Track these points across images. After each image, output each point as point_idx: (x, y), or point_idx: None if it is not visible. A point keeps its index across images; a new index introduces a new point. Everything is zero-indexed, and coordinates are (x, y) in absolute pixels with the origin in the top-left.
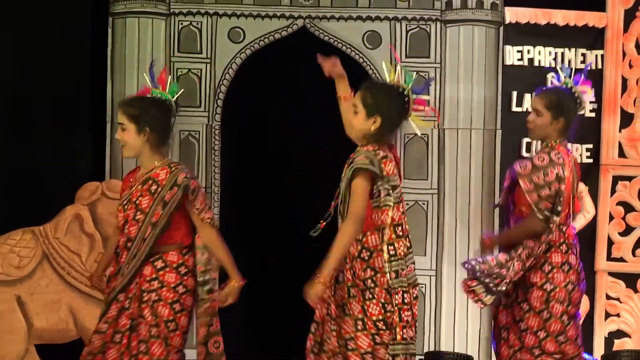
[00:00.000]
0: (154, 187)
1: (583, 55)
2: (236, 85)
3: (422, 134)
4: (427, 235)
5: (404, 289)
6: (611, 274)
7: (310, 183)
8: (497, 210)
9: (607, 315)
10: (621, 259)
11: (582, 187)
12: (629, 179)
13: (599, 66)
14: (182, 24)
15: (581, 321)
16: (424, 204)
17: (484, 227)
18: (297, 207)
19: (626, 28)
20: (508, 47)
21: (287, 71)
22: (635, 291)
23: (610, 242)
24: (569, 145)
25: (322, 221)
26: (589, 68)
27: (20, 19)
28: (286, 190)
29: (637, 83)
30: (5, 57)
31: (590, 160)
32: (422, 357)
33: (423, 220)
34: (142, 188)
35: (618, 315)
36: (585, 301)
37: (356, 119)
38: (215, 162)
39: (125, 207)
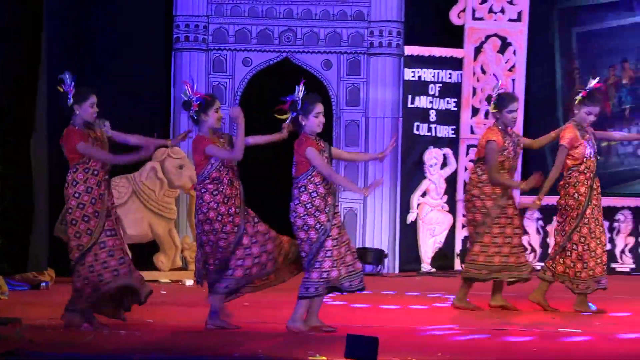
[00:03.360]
0: None
1: (450, 74)
2: (246, 92)
3: (354, 120)
4: (359, 179)
5: None
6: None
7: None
8: (399, 162)
9: (463, 225)
10: None
11: (448, 151)
12: (475, 146)
13: (459, 80)
14: (215, 55)
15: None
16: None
17: (388, 174)
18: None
19: (475, 58)
20: (406, 69)
21: (277, 84)
22: None
23: (464, 183)
24: None
25: None
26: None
27: (124, 52)
28: (271, 155)
29: (481, 91)
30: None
31: (454, 136)
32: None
33: (356, 171)
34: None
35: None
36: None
37: None
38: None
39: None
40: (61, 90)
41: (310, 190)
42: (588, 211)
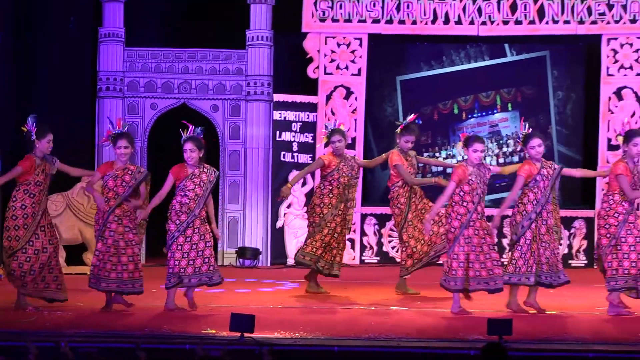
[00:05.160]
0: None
1: (308, 115)
2: (153, 129)
3: (235, 150)
4: (239, 195)
5: None
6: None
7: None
8: (270, 182)
9: None
10: None
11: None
12: None
13: (315, 120)
14: (129, 101)
15: None
16: (238, 181)
17: (261, 192)
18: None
19: (326, 103)
20: (275, 111)
21: (176, 123)
22: None
23: None
24: None
25: None
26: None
27: (59, 98)
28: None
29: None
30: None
31: (311, 162)
32: (237, 249)
33: (237, 189)
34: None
35: None
36: None
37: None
38: (144, 162)
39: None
40: (25, 129)
41: (179, 199)
42: (410, 216)
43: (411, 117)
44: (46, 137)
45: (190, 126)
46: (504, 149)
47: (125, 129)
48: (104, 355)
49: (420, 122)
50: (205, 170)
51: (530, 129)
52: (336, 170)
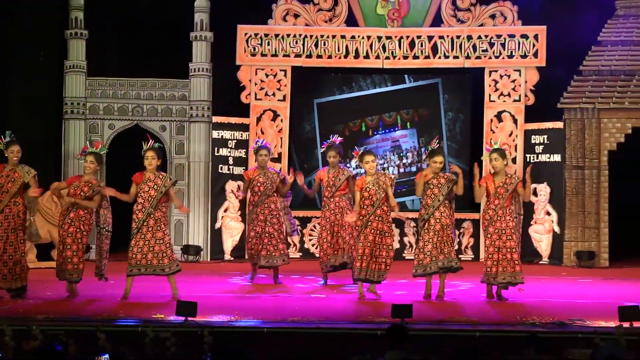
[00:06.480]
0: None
1: (241, 134)
2: (111, 146)
3: (180, 163)
4: (184, 201)
5: None
6: None
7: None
8: (209, 190)
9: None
10: None
11: (241, 183)
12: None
13: (247, 138)
14: (90, 122)
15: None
16: (183, 189)
17: (202, 198)
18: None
19: (257, 124)
20: (213, 131)
21: (131, 141)
22: None
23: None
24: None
25: None
26: (334, 140)
27: (32, 120)
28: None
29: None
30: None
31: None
32: (182, 247)
33: (182, 196)
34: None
35: None
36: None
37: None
38: (103, 173)
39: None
40: (1, 142)
41: (138, 199)
42: (322, 220)
43: (333, 138)
44: (9, 148)
45: (150, 140)
46: (404, 161)
47: (99, 149)
48: (69, 337)
49: (334, 137)
50: (160, 176)
51: (438, 146)
52: (254, 180)
